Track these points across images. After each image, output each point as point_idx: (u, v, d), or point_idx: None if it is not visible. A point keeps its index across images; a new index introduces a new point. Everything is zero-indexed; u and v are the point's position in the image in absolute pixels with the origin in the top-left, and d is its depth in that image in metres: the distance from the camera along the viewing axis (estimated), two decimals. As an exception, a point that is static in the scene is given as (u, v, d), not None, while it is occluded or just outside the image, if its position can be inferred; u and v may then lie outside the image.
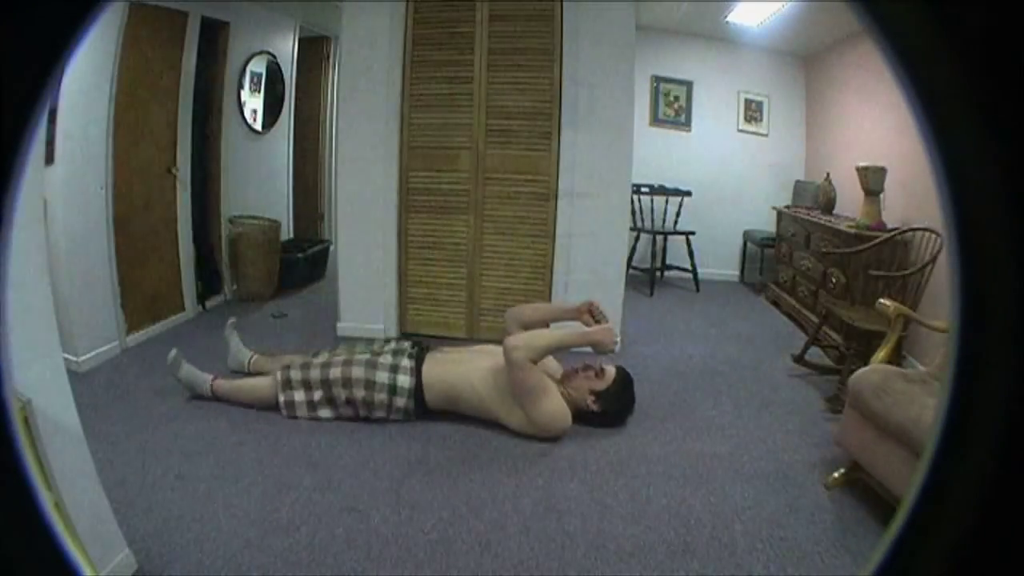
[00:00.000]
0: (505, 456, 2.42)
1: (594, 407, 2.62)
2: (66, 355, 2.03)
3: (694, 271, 5.25)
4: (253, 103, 4.60)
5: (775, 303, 4.88)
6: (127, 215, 3.37)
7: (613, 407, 2.66)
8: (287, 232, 5.05)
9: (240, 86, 4.39)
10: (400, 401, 2.57)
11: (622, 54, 3.40)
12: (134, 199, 3.44)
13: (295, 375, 2.62)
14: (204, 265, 4.13)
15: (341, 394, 2.58)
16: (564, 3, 3.36)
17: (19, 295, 1.41)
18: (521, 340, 2.50)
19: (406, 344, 2.79)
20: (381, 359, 2.62)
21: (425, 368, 2.61)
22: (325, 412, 2.62)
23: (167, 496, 2.06)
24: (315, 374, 2.60)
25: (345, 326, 3.72)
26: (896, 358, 3.10)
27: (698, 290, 5.27)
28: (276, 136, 4.96)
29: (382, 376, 2.57)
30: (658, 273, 5.37)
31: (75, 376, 2.73)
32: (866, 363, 2.41)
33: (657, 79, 5.64)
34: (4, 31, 0.24)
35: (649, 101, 5.64)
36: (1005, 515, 0.25)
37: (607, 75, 3.41)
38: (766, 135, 5.68)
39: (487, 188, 3.57)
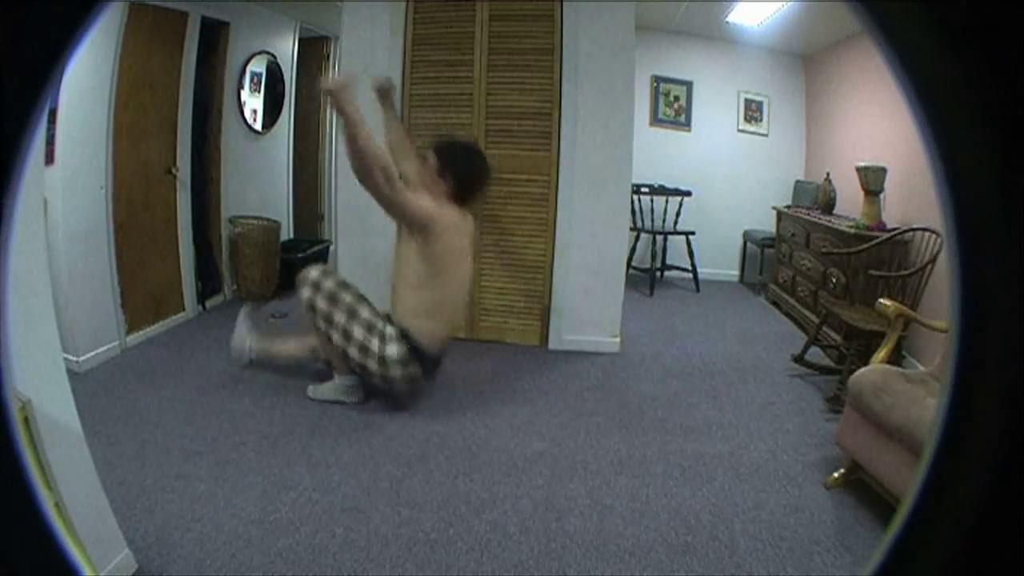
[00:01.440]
0: (505, 456, 2.42)
1: (448, 186, 2.59)
2: (66, 355, 2.03)
3: (694, 271, 5.26)
4: (253, 103, 4.60)
5: (775, 303, 4.88)
6: (127, 215, 3.37)
7: (457, 169, 2.60)
8: (287, 232, 5.05)
9: (240, 86, 4.39)
10: (396, 371, 2.56)
11: (622, 54, 3.40)
12: (134, 199, 3.44)
13: (328, 283, 2.63)
14: (204, 265, 4.13)
15: (340, 340, 2.60)
16: (564, 3, 3.36)
17: (19, 295, 1.41)
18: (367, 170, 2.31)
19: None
20: (378, 324, 2.60)
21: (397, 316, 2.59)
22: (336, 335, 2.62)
23: (167, 496, 2.06)
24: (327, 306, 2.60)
25: (345, 326, 3.72)
26: (896, 358, 3.11)
27: (698, 290, 5.27)
28: (276, 136, 4.95)
29: (375, 344, 2.55)
30: (658, 273, 5.37)
31: (75, 376, 2.74)
32: (866, 363, 2.41)
33: (657, 79, 5.64)
34: (4, 31, 0.24)
35: (649, 101, 5.64)
36: (1005, 515, 0.25)
37: (607, 75, 3.41)
38: (766, 135, 5.68)
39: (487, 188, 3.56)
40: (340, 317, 2.58)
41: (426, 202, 2.52)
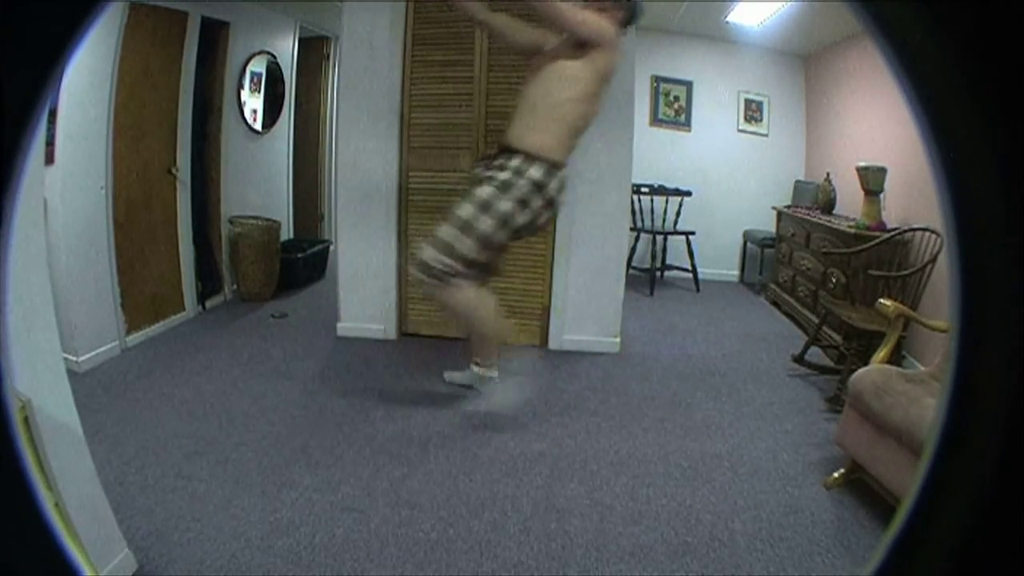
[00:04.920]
0: (505, 456, 2.42)
1: (620, 14, 2.55)
2: (66, 355, 2.03)
3: (694, 271, 5.26)
4: (253, 103, 4.60)
5: (775, 303, 4.88)
6: (127, 215, 3.37)
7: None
8: (287, 232, 5.04)
9: (240, 86, 4.38)
10: (554, 193, 2.47)
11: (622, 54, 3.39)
12: (134, 199, 3.44)
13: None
14: (204, 265, 4.13)
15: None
16: (564, 3, 3.35)
17: (19, 295, 1.42)
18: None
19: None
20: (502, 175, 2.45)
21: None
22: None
23: (167, 496, 2.06)
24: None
25: (345, 326, 3.72)
26: (896, 358, 3.10)
27: (698, 290, 5.27)
28: (276, 136, 4.95)
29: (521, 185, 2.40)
30: (658, 273, 5.37)
31: (75, 376, 2.74)
32: (866, 363, 2.41)
33: (657, 79, 5.64)
34: (4, 31, 0.24)
35: (649, 101, 5.64)
36: (1005, 515, 0.25)
37: (607, 75, 3.40)
38: (766, 135, 5.68)
39: (487, 188, 3.56)
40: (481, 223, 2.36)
41: (603, 21, 2.47)
